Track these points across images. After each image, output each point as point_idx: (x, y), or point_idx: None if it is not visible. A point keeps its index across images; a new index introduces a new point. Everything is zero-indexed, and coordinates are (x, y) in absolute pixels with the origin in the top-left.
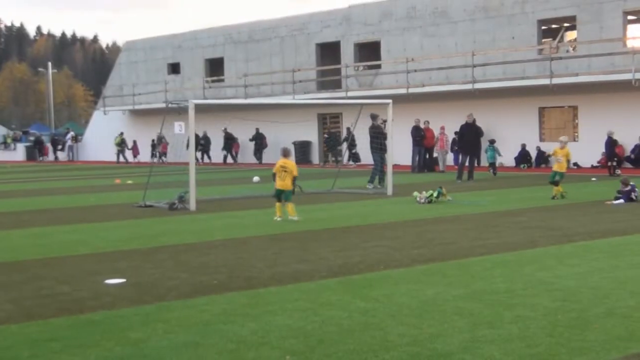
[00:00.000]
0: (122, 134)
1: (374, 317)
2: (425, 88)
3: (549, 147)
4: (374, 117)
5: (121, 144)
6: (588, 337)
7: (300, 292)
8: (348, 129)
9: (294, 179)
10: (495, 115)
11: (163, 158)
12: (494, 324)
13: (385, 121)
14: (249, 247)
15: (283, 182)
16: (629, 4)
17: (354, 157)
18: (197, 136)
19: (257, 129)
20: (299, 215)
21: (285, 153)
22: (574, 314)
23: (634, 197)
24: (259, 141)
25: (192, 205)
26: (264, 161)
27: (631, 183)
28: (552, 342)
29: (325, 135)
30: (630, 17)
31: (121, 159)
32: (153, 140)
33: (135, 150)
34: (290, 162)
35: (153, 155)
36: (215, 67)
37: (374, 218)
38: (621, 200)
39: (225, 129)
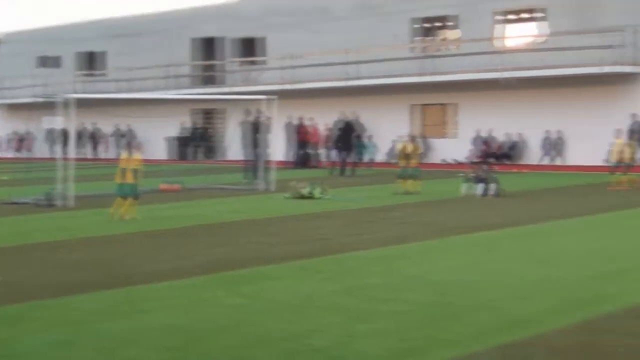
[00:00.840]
0: None
1: (250, 313)
2: (307, 84)
3: (429, 143)
4: (249, 112)
5: None
6: (457, 329)
7: (177, 289)
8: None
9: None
10: (374, 112)
11: (25, 153)
12: (369, 318)
13: (259, 117)
14: (125, 244)
15: (124, 178)
16: (504, 4)
17: (209, 151)
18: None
19: (128, 125)
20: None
21: (130, 147)
22: (445, 308)
23: (491, 193)
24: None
25: (69, 201)
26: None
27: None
28: (424, 335)
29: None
30: (504, 17)
31: None
32: (21, 135)
33: (17, 145)
34: (135, 157)
35: (18, 150)
36: (92, 61)
37: (251, 214)
38: (481, 184)
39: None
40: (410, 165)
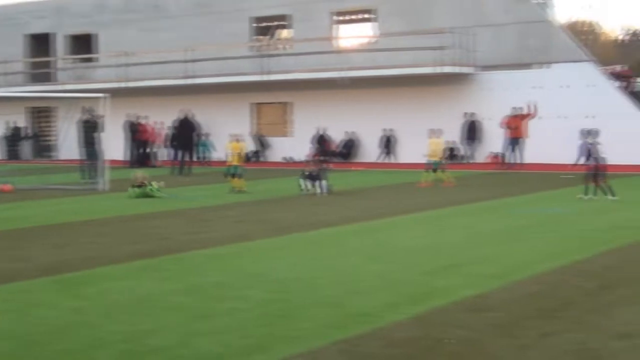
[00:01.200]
0: None
1: (87, 315)
2: (142, 82)
3: (265, 142)
4: (86, 110)
5: None
6: (297, 325)
7: (10, 293)
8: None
9: None
10: (212, 111)
11: None
12: (209, 317)
13: (93, 115)
14: None
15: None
16: (338, 4)
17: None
18: None
19: None
20: None
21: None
22: (285, 304)
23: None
24: None
25: None
26: None
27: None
28: (265, 332)
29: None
30: (339, 18)
31: None
32: None
33: None
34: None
35: None
36: None
37: (88, 214)
38: (314, 182)
39: None
40: (234, 163)
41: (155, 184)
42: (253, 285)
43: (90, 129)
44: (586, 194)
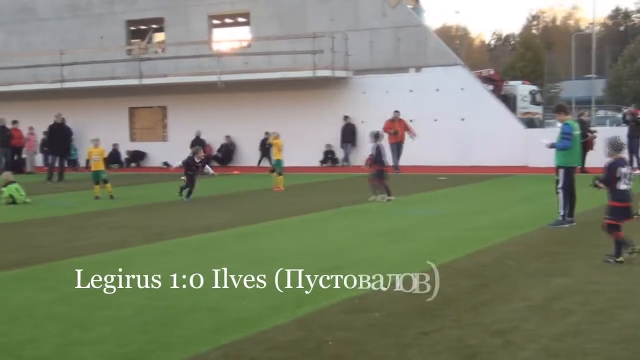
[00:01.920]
0: None
1: None
2: (12, 87)
3: (141, 147)
4: None
5: None
6: (178, 332)
7: None
8: None
9: None
10: (86, 115)
11: None
12: (86, 326)
13: None
14: None
15: None
16: (213, 8)
17: None
18: None
19: None
20: None
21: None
22: (166, 311)
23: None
24: None
25: None
26: None
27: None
28: (144, 340)
29: None
30: (215, 22)
31: None
32: None
33: None
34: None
35: None
36: None
37: None
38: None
39: None
40: (98, 167)
41: (5, 190)
42: (132, 292)
43: None
44: (375, 194)
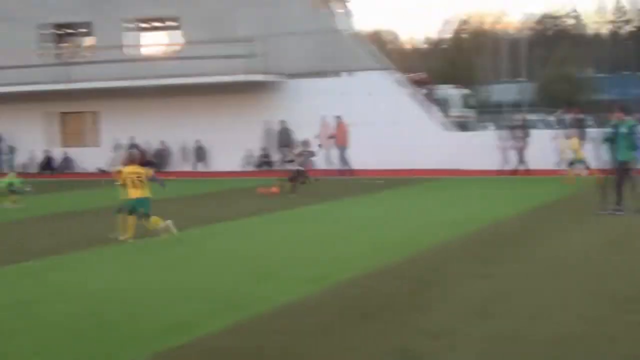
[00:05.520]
0: None
1: None
2: None
3: (71, 152)
4: None
5: None
6: (112, 339)
7: None
8: None
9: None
10: (12, 121)
11: None
12: (14, 335)
13: None
14: None
15: (141, 191)
16: (130, 12)
17: None
18: None
19: None
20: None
21: (132, 158)
22: (98, 318)
23: None
24: None
25: None
26: None
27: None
28: (75, 349)
29: None
30: (141, 25)
31: None
32: None
33: None
34: (140, 167)
35: None
36: None
37: None
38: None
39: None
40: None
41: None
42: (65, 299)
43: None
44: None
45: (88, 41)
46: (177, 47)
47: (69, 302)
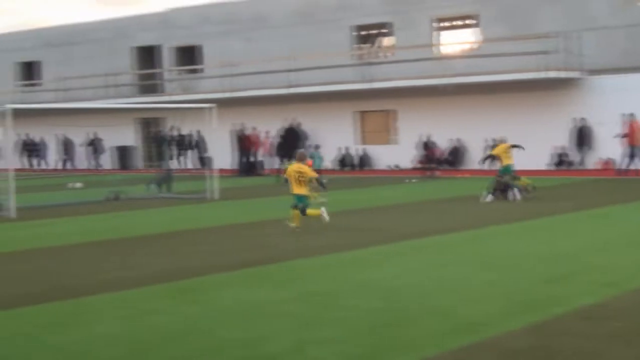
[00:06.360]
0: None
1: (200, 321)
2: (246, 92)
3: (370, 150)
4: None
5: None
6: (411, 334)
7: (125, 300)
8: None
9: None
10: (318, 119)
11: None
12: (319, 325)
13: (159, 130)
14: (71, 255)
15: (301, 188)
16: (438, 11)
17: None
18: (27, 142)
19: (95, 134)
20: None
21: (301, 157)
22: (396, 313)
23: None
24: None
25: (12, 212)
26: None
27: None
28: (377, 341)
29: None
30: (439, 24)
31: None
32: None
33: None
34: (305, 166)
35: None
36: (29, 71)
37: (198, 222)
38: (490, 197)
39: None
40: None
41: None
42: (363, 293)
43: (159, 143)
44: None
45: (388, 41)
46: (474, 45)
47: (364, 296)
